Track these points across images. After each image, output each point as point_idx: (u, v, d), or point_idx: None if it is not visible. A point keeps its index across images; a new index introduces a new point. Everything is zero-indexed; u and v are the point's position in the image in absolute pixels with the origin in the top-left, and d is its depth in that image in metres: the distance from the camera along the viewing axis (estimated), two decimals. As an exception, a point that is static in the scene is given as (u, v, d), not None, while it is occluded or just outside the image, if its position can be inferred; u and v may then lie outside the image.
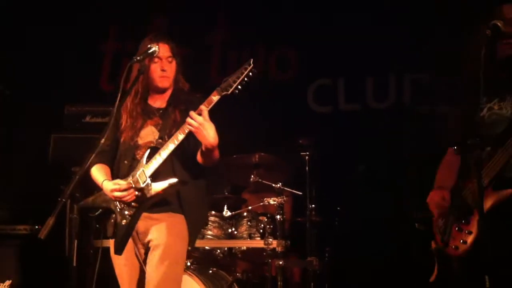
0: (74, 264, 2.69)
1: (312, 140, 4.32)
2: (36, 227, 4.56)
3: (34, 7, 5.59)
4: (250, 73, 2.78)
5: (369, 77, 5.48)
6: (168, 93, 3.15)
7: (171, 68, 3.09)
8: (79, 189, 2.77)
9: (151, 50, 2.93)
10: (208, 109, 2.79)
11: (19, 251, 4.48)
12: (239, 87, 2.78)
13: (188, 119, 2.78)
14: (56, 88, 5.43)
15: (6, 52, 5.38)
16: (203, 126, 2.75)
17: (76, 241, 2.68)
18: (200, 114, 2.76)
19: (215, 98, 2.80)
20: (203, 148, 2.82)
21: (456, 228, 2.56)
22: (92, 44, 5.87)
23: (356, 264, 4.91)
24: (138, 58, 2.89)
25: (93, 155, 2.66)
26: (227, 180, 4.64)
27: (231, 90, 2.78)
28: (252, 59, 2.79)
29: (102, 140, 2.75)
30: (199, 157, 2.92)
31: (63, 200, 2.54)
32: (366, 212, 4.85)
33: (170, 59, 3.08)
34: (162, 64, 3.06)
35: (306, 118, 5.45)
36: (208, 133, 2.75)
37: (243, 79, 2.78)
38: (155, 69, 3.06)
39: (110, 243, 3.03)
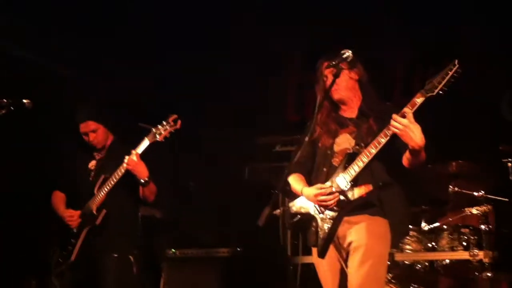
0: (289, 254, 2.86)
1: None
2: (238, 249, 4.85)
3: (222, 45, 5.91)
4: (455, 74, 2.70)
5: None
6: (356, 103, 3.16)
7: (340, 79, 3.07)
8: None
9: (345, 55, 2.98)
10: (412, 111, 2.75)
11: (222, 272, 4.75)
12: (445, 88, 2.71)
13: (393, 122, 2.76)
14: (246, 121, 5.68)
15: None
16: (408, 128, 2.72)
17: (289, 231, 2.86)
18: (404, 117, 2.74)
19: (419, 100, 2.76)
20: (410, 150, 2.80)
21: None
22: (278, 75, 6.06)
23: None
24: (334, 62, 2.97)
25: (292, 163, 2.87)
26: (423, 192, 4.54)
27: (436, 91, 2.72)
28: (457, 59, 2.71)
29: (299, 152, 2.92)
30: (405, 160, 2.89)
31: (276, 192, 2.78)
32: None
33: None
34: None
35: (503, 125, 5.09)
36: (415, 135, 2.72)
37: (449, 80, 2.70)
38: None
39: (313, 252, 3.09)
